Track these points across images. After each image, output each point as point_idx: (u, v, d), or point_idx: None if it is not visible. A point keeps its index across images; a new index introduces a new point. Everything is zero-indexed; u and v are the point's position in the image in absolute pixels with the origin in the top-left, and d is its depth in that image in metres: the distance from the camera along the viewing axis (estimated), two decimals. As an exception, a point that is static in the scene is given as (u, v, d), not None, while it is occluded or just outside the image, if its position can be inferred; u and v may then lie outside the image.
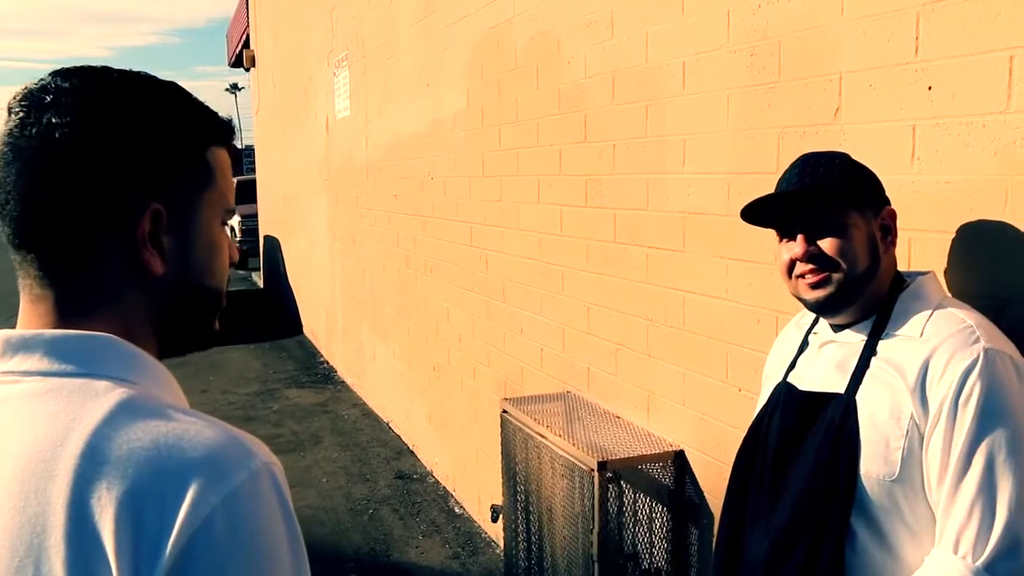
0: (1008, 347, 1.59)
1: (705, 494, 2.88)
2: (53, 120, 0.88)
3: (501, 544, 4.10)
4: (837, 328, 1.79)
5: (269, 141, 13.39)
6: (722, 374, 2.76)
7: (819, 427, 1.72)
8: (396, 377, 6.77)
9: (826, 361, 1.78)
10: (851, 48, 2.19)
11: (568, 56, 3.63)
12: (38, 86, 0.92)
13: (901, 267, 1.83)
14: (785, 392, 1.85)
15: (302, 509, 5.36)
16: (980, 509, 1.50)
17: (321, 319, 9.94)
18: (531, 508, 3.55)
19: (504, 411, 3.68)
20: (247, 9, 14.54)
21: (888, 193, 1.80)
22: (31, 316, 0.92)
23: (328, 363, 9.50)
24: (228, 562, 0.78)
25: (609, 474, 2.94)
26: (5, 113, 0.92)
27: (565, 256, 3.76)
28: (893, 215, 1.77)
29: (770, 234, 1.84)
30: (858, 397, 1.66)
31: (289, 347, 10.54)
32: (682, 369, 2.97)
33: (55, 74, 0.93)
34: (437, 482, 5.79)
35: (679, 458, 2.98)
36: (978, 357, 1.53)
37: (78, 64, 0.98)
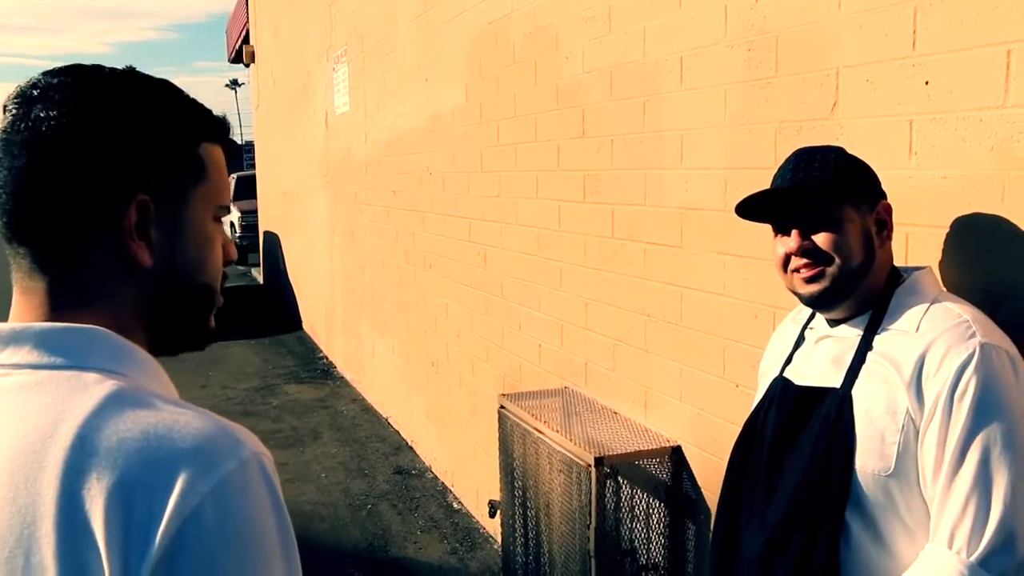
0: (1004, 342, 1.59)
1: (702, 489, 2.88)
2: (42, 115, 0.90)
3: (499, 540, 4.11)
4: (833, 323, 1.80)
5: (269, 137, 13.39)
6: (719, 370, 2.76)
7: (815, 422, 1.72)
8: (395, 372, 6.77)
9: (822, 356, 1.78)
10: (848, 42, 2.18)
11: (566, 51, 3.62)
12: (30, 84, 0.93)
13: (897, 262, 1.83)
14: (781, 387, 1.85)
15: (301, 504, 5.36)
16: (975, 504, 1.50)
17: (320, 315, 9.95)
18: (529, 504, 3.55)
19: (502, 407, 3.68)
20: (246, 4, 14.52)
21: (885, 188, 1.80)
22: (22, 309, 0.93)
23: (327, 359, 9.50)
24: (217, 551, 0.79)
25: (606, 469, 2.94)
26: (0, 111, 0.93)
27: (563, 252, 3.75)
28: (889, 209, 1.77)
29: (767, 229, 1.84)
30: (854, 392, 1.66)
31: (289, 343, 10.55)
32: (679, 365, 2.97)
33: (47, 73, 0.95)
34: (436, 477, 5.80)
35: (676, 454, 2.98)
36: (974, 352, 1.53)
37: (77, 60, 0.99)
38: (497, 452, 3.85)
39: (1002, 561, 1.49)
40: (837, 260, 1.69)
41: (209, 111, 1.02)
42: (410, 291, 6.15)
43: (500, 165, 4.37)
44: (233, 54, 17.32)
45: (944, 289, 1.82)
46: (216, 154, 1.01)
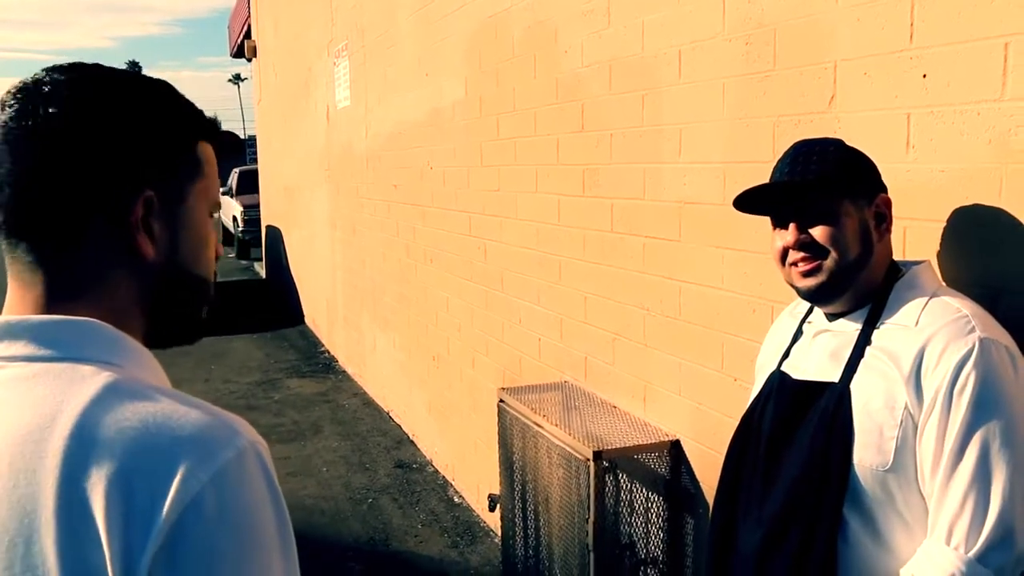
0: (1003, 337, 1.58)
1: (701, 484, 2.88)
2: (44, 111, 0.91)
3: (499, 533, 4.11)
4: (831, 317, 1.79)
5: (271, 131, 13.39)
6: (718, 364, 2.75)
7: (813, 416, 1.71)
8: (396, 367, 6.78)
9: (820, 350, 1.78)
10: (846, 36, 2.17)
11: (565, 45, 3.62)
12: (32, 80, 0.95)
13: (895, 256, 1.82)
14: (779, 381, 1.84)
15: (302, 498, 5.37)
16: (973, 500, 1.49)
17: (322, 309, 9.95)
18: (528, 498, 3.55)
19: (501, 401, 3.68)
20: (248, -1, 14.51)
21: (883, 181, 1.79)
22: (19, 302, 0.94)
23: (329, 353, 9.51)
24: (217, 539, 0.80)
25: (605, 464, 2.94)
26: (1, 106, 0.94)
27: (562, 246, 3.75)
28: (888, 203, 1.76)
29: (765, 223, 1.83)
30: (852, 386, 1.66)
31: (291, 337, 10.56)
32: (678, 359, 2.97)
33: (49, 69, 0.96)
34: (436, 471, 5.80)
35: (675, 448, 2.98)
36: (973, 347, 1.53)
37: (80, 55, 1.00)
38: (497, 446, 3.85)
39: (1000, 557, 1.48)
40: (833, 254, 1.69)
41: (201, 111, 1.05)
42: (411, 285, 6.15)
43: (500, 159, 4.37)
44: (235, 49, 17.30)
45: (943, 283, 1.82)
46: (210, 152, 1.04)
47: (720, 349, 2.74)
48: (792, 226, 1.73)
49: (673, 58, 2.88)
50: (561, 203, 3.74)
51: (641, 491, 3.12)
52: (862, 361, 1.67)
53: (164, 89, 1.01)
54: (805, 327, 1.88)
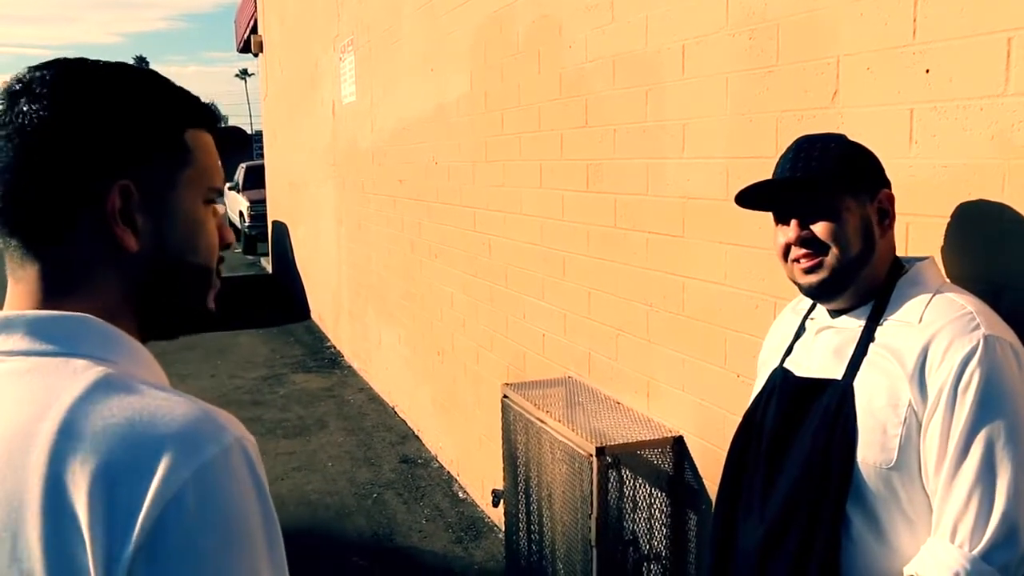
0: (1007, 334, 1.57)
1: (704, 480, 2.88)
2: (24, 109, 0.92)
3: (503, 529, 4.11)
4: (834, 313, 1.79)
5: (277, 126, 13.40)
6: (721, 360, 2.75)
7: (815, 414, 1.71)
8: (401, 362, 6.78)
9: (823, 347, 1.77)
10: (849, 31, 2.16)
11: (569, 40, 3.61)
12: (15, 79, 0.96)
13: (898, 252, 1.81)
14: (781, 378, 1.84)
15: (307, 493, 5.39)
16: (978, 498, 1.49)
17: (328, 304, 9.96)
18: (532, 493, 3.56)
19: (505, 396, 3.68)
20: (254, -6, 14.50)
21: (885, 177, 1.79)
22: (13, 298, 0.95)
23: (335, 348, 9.53)
24: (199, 535, 0.80)
25: (608, 459, 2.94)
26: None
27: (566, 241, 3.75)
28: (891, 198, 1.75)
29: (768, 219, 1.83)
30: (855, 383, 1.65)
31: (297, 332, 10.57)
32: (681, 355, 2.97)
33: (32, 67, 0.97)
34: (441, 467, 5.81)
35: (678, 444, 2.98)
36: (978, 344, 1.52)
37: (85, 51, 1.00)
38: (501, 441, 3.85)
39: (1005, 555, 1.48)
40: (835, 250, 1.68)
41: (196, 99, 1.04)
42: (416, 281, 6.15)
43: (504, 154, 4.36)
44: (242, 44, 17.30)
45: (947, 280, 1.81)
46: (203, 139, 1.03)
47: (723, 345, 2.74)
48: (794, 222, 1.72)
49: (676, 53, 2.87)
50: (565, 199, 3.73)
51: (644, 487, 3.12)
52: (865, 358, 1.66)
53: (146, 79, 1.00)
54: (808, 324, 1.88)
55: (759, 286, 2.55)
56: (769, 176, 1.81)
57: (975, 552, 1.48)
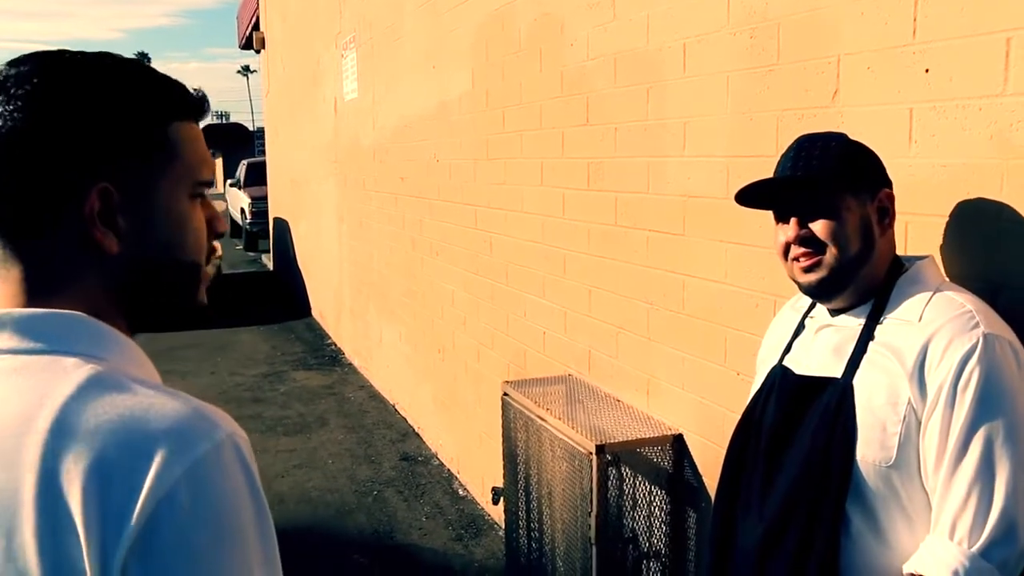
0: (1006, 332, 1.58)
1: (704, 478, 2.88)
2: (2, 109, 0.90)
3: (503, 526, 4.12)
4: (834, 312, 1.79)
5: (279, 123, 13.40)
6: (721, 358, 2.75)
7: (815, 412, 1.71)
8: (402, 359, 6.79)
9: (823, 345, 1.77)
10: (850, 30, 2.17)
11: (571, 38, 3.61)
12: None
13: (897, 251, 1.82)
14: (781, 376, 1.84)
15: (308, 490, 5.40)
16: (977, 495, 1.50)
17: (329, 301, 9.97)
18: (532, 491, 3.56)
19: (505, 394, 3.69)
20: (256, -10, 14.50)
21: (884, 177, 1.79)
22: (1, 296, 0.94)
23: (336, 345, 9.53)
24: (192, 532, 0.80)
25: (608, 457, 2.94)
26: None
27: (567, 239, 3.75)
28: (891, 198, 1.76)
29: (768, 218, 1.83)
30: (855, 382, 1.66)
31: (297, 329, 10.58)
32: (682, 353, 2.97)
33: (9, 63, 0.94)
34: (442, 464, 5.81)
35: (678, 442, 2.98)
36: (977, 342, 1.53)
37: (85, 46, 0.98)
38: (501, 439, 3.85)
39: (1003, 552, 1.49)
40: (833, 249, 1.69)
41: (183, 88, 1.00)
42: (417, 278, 6.16)
43: (506, 152, 4.37)
44: (243, 40, 17.30)
45: (946, 278, 1.81)
46: (189, 132, 1.00)
47: (723, 343, 2.74)
48: (793, 221, 1.73)
49: (678, 52, 2.88)
50: (566, 197, 3.74)
51: (644, 485, 3.12)
52: (865, 356, 1.67)
53: (128, 72, 0.96)
54: (807, 322, 1.88)
55: (759, 285, 2.56)
56: (770, 175, 1.81)
57: (974, 549, 1.49)
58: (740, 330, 2.65)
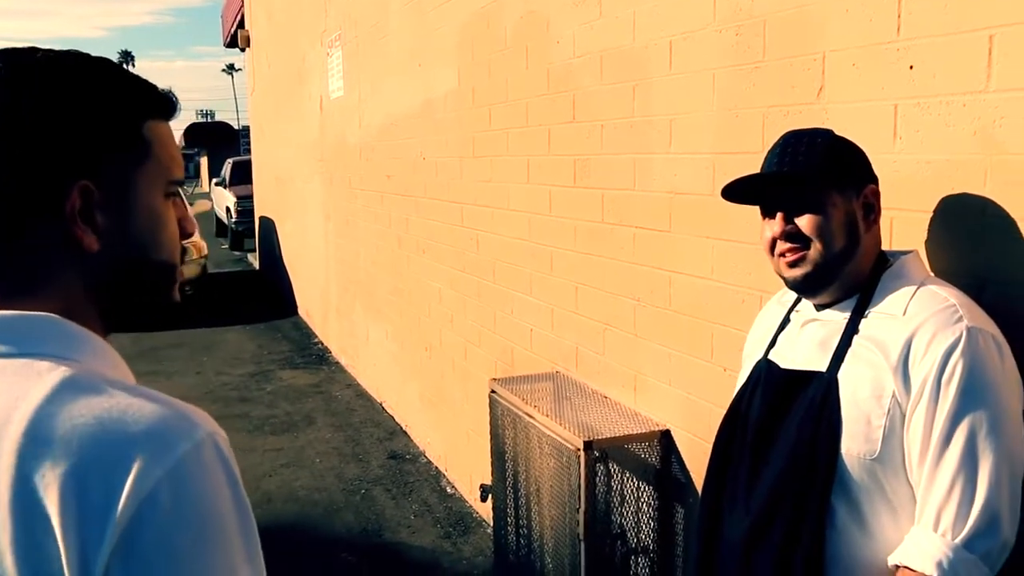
0: (990, 326, 1.59)
1: (691, 473, 2.89)
2: None
3: (491, 524, 4.12)
4: (820, 307, 1.80)
5: (264, 122, 13.35)
6: (707, 354, 2.77)
7: (800, 405, 1.72)
8: (389, 358, 6.78)
9: (808, 339, 1.79)
10: (835, 27, 2.18)
11: (557, 36, 3.62)
12: None
13: (882, 246, 1.83)
14: (766, 370, 1.85)
15: (295, 489, 5.38)
16: (960, 487, 1.51)
17: (316, 300, 9.95)
18: (520, 488, 3.57)
19: (493, 391, 3.69)
20: (241, -12, 14.45)
21: (869, 173, 1.80)
22: None
23: (322, 344, 9.51)
24: (174, 533, 0.79)
25: (596, 453, 2.95)
26: None
27: (554, 236, 3.76)
28: (876, 194, 1.77)
29: (755, 214, 1.84)
30: (840, 375, 1.67)
31: (284, 328, 10.55)
32: (668, 349, 2.98)
33: None
34: (429, 462, 5.81)
35: (665, 437, 3.00)
36: (961, 336, 1.54)
37: (70, 45, 0.97)
38: (489, 437, 3.86)
39: (986, 543, 1.50)
40: (818, 244, 1.70)
41: (154, 87, 1.01)
42: (404, 276, 6.15)
43: (492, 150, 4.37)
44: (228, 39, 17.23)
45: (931, 273, 1.83)
46: (161, 131, 1.00)
47: (710, 339, 2.75)
48: (779, 216, 1.74)
49: (664, 49, 2.88)
50: (552, 194, 3.74)
51: (632, 480, 3.13)
52: (850, 350, 1.68)
53: (100, 71, 0.96)
54: (793, 316, 1.89)
55: (745, 281, 2.57)
56: (756, 171, 1.82)
57: (957, 541, 1.50)
58: (726, 326, 2.67)
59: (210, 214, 21.70)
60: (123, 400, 0.84)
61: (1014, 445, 1.54)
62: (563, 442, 3.02)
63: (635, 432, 3.00)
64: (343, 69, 7.54)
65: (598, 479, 3.04)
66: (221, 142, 33.34)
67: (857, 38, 2.11)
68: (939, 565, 1.50)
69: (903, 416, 1.58)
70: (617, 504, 3.17)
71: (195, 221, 1.16)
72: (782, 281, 1.81)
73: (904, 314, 1.63)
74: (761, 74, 2.45)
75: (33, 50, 0.95)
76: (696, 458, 2.84)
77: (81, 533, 0.77)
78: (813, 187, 1.71)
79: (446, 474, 5.53)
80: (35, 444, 0.80)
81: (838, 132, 1.81)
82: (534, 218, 3.94)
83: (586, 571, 2.97)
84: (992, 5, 1.76)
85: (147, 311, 1.02)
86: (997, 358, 1.56)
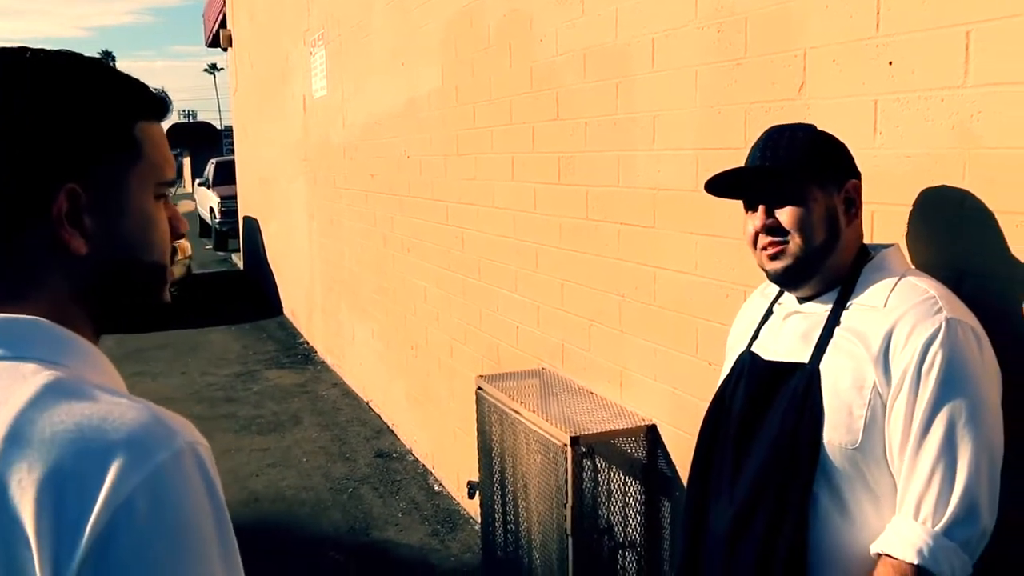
0: (969, 317, 1.62)
1: (677, 467, 2.91)
2: None
3: (479, 520, 4.14)
4: (802, 300, 1.82)
5: (247, 121, 13.31)
6: (692, 349, 2.79)
7: (783, 397, 1.74)
8: (375, 356, 6.78)
9: (791, 331, 1.81)
10: (815, 24, 2.20)
11: (540, 34, 3.63)
12: None
13: (863, 239, 1.85)
14: (749, 362, 1.87)
15: (282, 489, 5.38)
16: (940, 475, 1.54)
17: (301, 300, 9.93)
18: (507, 484, 3.58)
19: (479, 388, 3.70)
20: (223, -12, 14.39)
21: (850, 168, 1.82)
22: None
23: (308, 344, 9.50)
24: (150, 542, 0.78)
25: (582, 449, 2.97)
26: None
27: (539, 233, 3.77)
28: (857, 188, 1.79)
29: (737, 209, 1.86)
30: (822, 367, 1.69)
31: (269, 328, 10.53)
32: (654, 344, 3.00)
33: None
34: (416, 460, 5.82)
35: (651, 432, 3.02)
36: (940, 327, 1.57)
37: (52, 45, 0.96)
38: (476, 434, 3.87)
39: (965, 531, 1.53)
40: (797, 238, 1.72)
41: (145, 87, 0.99)
42: (389, 275, 6.16)
43: (476, 148, 4.38)
44: (210, 38, 17.16)
45: (911, 266, 1.85)
46: (153, 132, 0.99)
47: (694, 334, 2.77)
48: (761, 209, 1.77)
49: (646, 46, 2.90)
50: (537, 191, 3.76)
51: (618, 475, 3.15)
52: (831, 342, 1.70)
53: (92, 71, 0.95)
54: (776, 308, 1.91)
55: (729, 275, 2.59)
56: (739, 166, 1.84)
57: (937, 528, 1.53)
58: (711, 320, 2.69)
59: (193, 214, 21.62)
60: (105, 406, 0.83)
61: (992, 434, 1.57)
62: (550, 438, 3.03)
63: (621, 427, 3.01)
64: (326, 68, 7.52)
65: (585, 474, 3.06)
66: (203, 142, 33.17)
67: (837, 35, 2.13)
68: (920, 552, 1.52)
69: (884, 406, 1.61)
70: (604, 499, 3.19)
71: (186, 221, 1.15)
72: (765, 276, 1.84)
73: (885, 306, 1.65)
74: (743, 71, 2.48)
75: (24, 50, 0.93)
76: (682, 452, 2.86)
77: (55, 540, 0.76)
78: (794, 181, 1.73)
79: (433, 472, 5.54)
80: (14, 448, 0.79)
81: (819, 128, 1.83)
82: (519, 216, 3.95)
83: (574, 566, 2.99)
84: (969, 2, 1.79)
85: (138, 312, 1.01)
86: (976, 349, 1.58)
